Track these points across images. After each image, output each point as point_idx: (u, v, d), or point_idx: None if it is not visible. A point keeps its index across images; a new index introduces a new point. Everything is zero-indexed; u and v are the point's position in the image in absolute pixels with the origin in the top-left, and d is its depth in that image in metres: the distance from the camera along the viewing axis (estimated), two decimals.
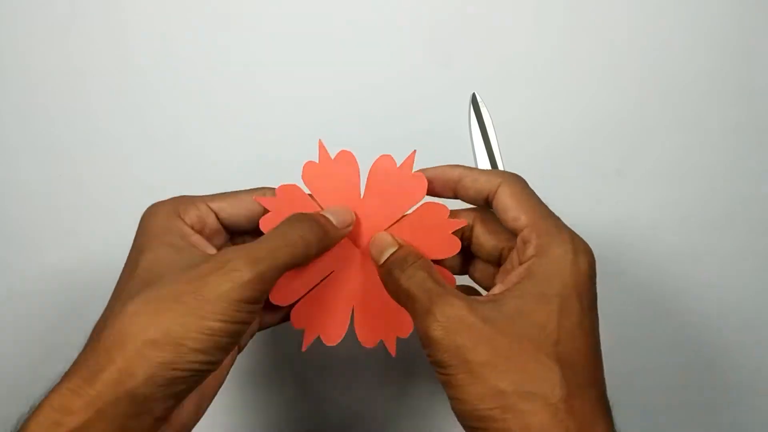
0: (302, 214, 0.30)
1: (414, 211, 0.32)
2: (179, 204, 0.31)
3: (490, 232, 0.32)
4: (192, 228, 0.31)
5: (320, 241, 0.30)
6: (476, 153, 0.46)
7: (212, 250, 0.31)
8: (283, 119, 0.47)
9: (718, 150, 0.46)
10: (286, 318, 0.34)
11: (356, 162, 0.33)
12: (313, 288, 0.33)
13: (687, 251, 0.46)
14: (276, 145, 0.46)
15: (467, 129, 0.46)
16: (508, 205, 0.30)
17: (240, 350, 0.33)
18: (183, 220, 0.31)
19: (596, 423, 0.25)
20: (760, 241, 0.46)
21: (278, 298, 0.32)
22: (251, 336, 0.33)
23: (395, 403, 0.46)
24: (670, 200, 0.46)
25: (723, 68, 0.46)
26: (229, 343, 0.26)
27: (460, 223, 0.32)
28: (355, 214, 0.33)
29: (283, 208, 0.32)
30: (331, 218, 0.31)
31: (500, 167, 0.46)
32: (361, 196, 0.33)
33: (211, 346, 0.26)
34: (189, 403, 0.29)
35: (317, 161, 0.33)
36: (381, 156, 0.32)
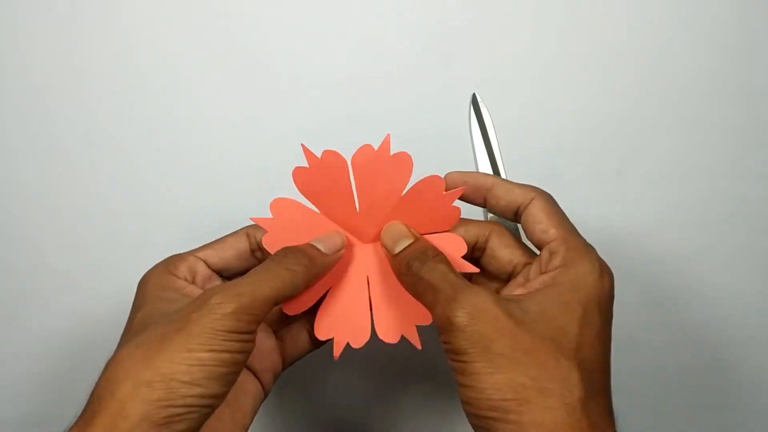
0: (288, 248, 0.31)
1: (410, 190, 0.32)
2: (169, 263, 0.33)
3: (507, 245, 0.33)
4: (185, 280, 0.33)
5: (308, 269, 0.30)
6: (476, 153, 0.46)
7: None
8: (284, 119, 0.47)
9: (719, 150, 0.46)
10: (310, 348, 0.35)
11: (344, 159, 0.32)
12: (325, 294, 0.33)
13: (687, 252, 0.46)
14: (276, 144, 0.46)
15: (467, 129, 0.46)
16: (539, 217, 0.31)
17: (266, 394, 0.33)
18: (176, 275, 0.32)
19: (606, 429, 0.26)
20: (761, 242, 0.46)
21: (291, 308, 0.33)
22: (276, 377, 0.34)
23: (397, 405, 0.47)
24: (670, 200, 0.46)
25: (723, 68, 0.46)
26: (224, 373, 0.26)
27: (457, 192, 0.32)
28: (353, 213, 0.33)
29: (281, 223, 0.33)
30: (320, 246, 0.32)
31: (501, 168, 0.46)
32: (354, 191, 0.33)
33: (203, 376, 0.26)
34: None
35: (306, 166, 0.33)
36: (360, 147, 0.32)
